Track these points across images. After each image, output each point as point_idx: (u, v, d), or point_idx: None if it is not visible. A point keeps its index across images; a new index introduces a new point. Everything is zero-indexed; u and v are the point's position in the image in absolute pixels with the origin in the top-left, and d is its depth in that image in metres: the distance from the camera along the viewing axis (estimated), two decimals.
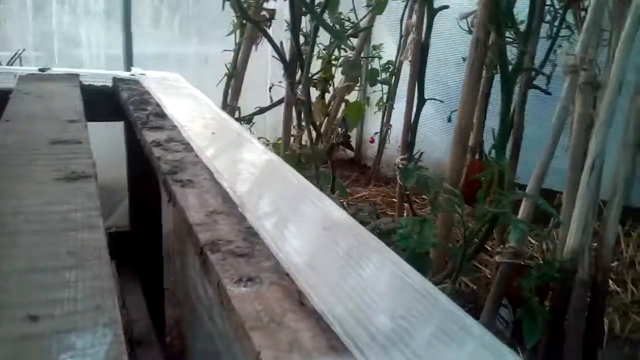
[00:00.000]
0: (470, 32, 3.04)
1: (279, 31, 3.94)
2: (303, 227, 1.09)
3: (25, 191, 1.15)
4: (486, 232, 2.04)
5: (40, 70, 2.50)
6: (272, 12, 3.30)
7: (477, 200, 1.86)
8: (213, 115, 1.94)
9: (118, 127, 2.80)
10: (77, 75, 2.47)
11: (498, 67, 2.24)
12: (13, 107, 1.85)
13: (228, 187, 1.25)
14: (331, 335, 0.75)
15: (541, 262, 2.03)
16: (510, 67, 2.16)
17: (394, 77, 4.60)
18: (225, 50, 3.73)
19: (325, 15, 2.31)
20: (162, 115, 1.88)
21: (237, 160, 1.54)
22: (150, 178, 2.67)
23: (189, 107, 2.03)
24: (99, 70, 2.69)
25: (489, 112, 3.83)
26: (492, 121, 3.85)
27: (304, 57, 2.65)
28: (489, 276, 3.94)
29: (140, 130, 1.72)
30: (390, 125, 5.17)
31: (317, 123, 3.29)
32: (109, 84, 2.52)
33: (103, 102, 2.42)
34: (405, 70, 4.37)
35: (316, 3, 2.55)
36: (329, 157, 2.95)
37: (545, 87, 3.54)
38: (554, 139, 2.99)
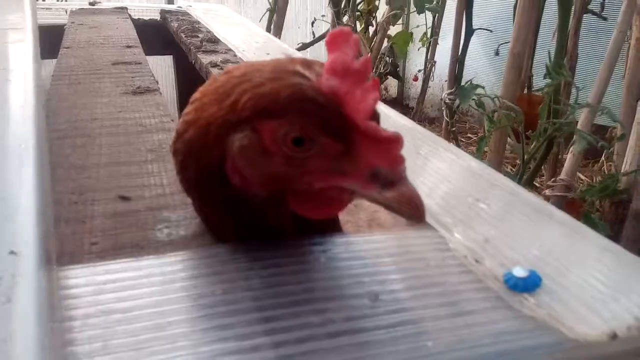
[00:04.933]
0: None
1: None
2: None
3: (97, 103, 1.19)
4: (543, 154, 1.99)
5: (90, 4, 2.53)
6: None
7: (539, 116, 1.82)
8: (265, 40, 1.93)
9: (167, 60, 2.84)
10: (125, 9, 2.50)
11: None
12: (69, 36, 1.89)
13: None
14: None
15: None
16: None
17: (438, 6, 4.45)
18: None
19: None
20: (215, 40, 1.89)
21: None
22: None
23: (240, 32, 2.03)
24: (146, 3, 2.71)
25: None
26: (541, 55, 3.71)
27: None
28: None
29: (195, 54, 1.74)
30: (435, 62, 5.04)
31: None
32: (157, 17, 2.53)
33: (152, 35, 2.44)
34: (450, 2, 4.23)
35: None
36: None
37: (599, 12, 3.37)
38: (609, 67, 2.88)
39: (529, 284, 0.57)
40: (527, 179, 2.94)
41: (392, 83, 6.22)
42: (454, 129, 4.02)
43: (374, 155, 0.54)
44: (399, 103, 6.31)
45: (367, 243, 0.66)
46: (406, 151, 0.56)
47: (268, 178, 0.58)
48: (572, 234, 0.70)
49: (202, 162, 0.60)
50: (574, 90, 2.37)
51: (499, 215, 0.74)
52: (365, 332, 0.50)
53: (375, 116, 0.56)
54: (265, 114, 0.55)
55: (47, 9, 2.47)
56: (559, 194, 2.76)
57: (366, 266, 0.61)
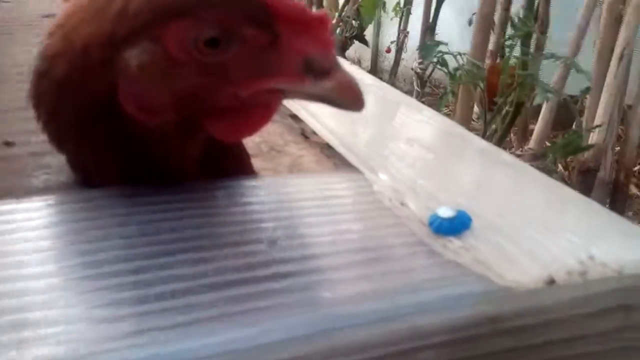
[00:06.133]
0: None
1: None
2: None
3: (20, 52, 1.10)
4: (510, 119, 1.92)
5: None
6: None
7: (502, 71, 1.74)
8: None
9: None
10: None
11: None
12: None
13: None
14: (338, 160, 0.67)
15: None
16: None
17: None
18: None
19: None
20: None
21: None
22: None
23: None
24: None
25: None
26: None
27: None
28: None
29: None
30: (408, 32, 4.93)
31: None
32: None
33: None
34: None
35: None
36: (342, 55, 2.80)
37: None
38: (580, 32, 2.82)
39: (456, 226, 0.48)
40: (498, 138, 2.87)
41: (365, 56, 6.10)
42: (423, 99, 3.94)
43: (303, 42, 0.47)
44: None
45: (279, 186, 0.57)
46: None
47: (180, 96, 0.48)
48: (517, 175, 0.61)
49: (82, 99, 0.49)
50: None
51: (436, 157, 0.65)
52: (251, 283, 0.41)
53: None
54: (169, 15, 0.45)
55: None
56: (527, 163, 2.70)
57: (272, 210, 0.52)
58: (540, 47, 3.41)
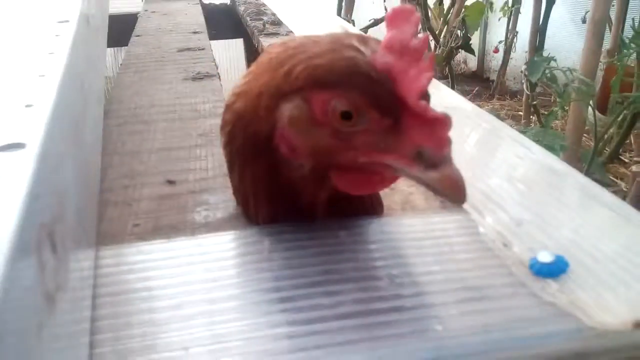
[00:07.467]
0: None
1: None
2: None
3: (158, 90, 1.25)
4: (627, 126, 1.87)
5: None
6: None
7: (612, 89, 1.70)
8: (330, 20, 1.94)
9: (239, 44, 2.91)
10: None
11: None
12: (141, 24, 1.98)
13: None
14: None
15: None
16: None
17: None
18: None
19: None
20: (278, 23, 1.91)
21: None
22: None
23: (305, 14, 2.04)
24: None
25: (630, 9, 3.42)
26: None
27: None
28: (625, 189, 3.66)
29: (257, 37, 1.77)
30: (517, 32, 4.81)
31: (437, 31, 3.13)
32: (227, 1, 2.60)
33: (222, 20, 2.52)
34: None
35: None
36: (447, 63, 2.82)
37: None
38: None
39: (554, 270, 0.55)
40: (611, 153, 2.77)
41: (471, 56, 6.01)
42: (535, 102, 3.84)
43: (420, 135, 0.54)
44: (478, 76, 6.09)
45: (394, 226, 0.67)
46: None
47: (315, 149, 0.59)
48: (617, 217, 0.66)
49: (249, 132, 0.62)
50: None
51: (539, 197, 0.71)
52: (373, 314, 0.51)
53: (425, 96, 0.56)
54: (318, 84, 0.56)
55: None
56: None
57: (389, 249, 0.62)
58: None
